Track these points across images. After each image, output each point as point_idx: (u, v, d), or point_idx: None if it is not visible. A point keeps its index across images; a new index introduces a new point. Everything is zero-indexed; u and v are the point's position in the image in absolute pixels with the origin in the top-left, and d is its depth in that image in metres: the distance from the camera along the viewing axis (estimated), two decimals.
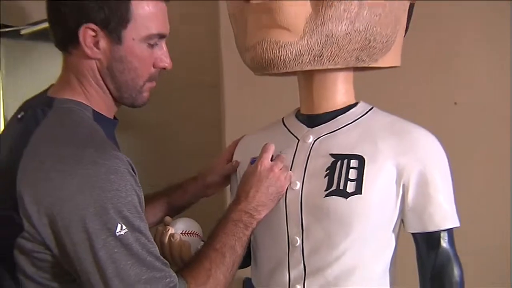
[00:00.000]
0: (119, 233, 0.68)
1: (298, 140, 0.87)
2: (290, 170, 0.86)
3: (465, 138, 1.41)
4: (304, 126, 0.88)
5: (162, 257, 0.75)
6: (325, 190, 0.79)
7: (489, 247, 1.42)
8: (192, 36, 2.32)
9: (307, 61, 0.77)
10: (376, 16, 0.77)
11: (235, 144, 1.04)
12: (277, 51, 0.76)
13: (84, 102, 0.81)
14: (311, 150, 0.84)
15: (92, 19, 0.76)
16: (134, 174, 0.75)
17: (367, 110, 0.87)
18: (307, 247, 0.81)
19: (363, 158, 0.80)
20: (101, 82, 0.82)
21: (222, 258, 0.80)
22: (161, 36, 0.83)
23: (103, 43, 0.78)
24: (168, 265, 0.75)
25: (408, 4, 0.86)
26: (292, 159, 0.86)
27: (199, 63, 2.28)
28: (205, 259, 0.79)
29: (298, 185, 0.82)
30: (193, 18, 2.31)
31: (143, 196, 0.76)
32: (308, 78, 0.86)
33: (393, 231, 0.83)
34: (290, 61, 0.76)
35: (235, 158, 1.00)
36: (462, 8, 1.43)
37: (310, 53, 0.76)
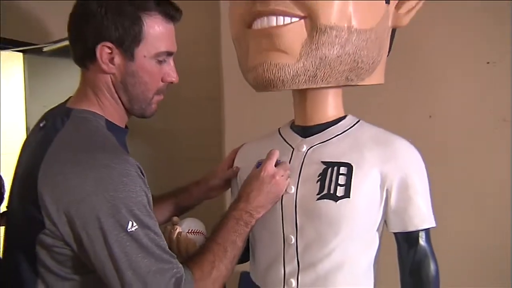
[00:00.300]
0: (130, 230, 0.69)
1: (293, 148, 0.87)
2: None
3: (439, 148, 1.41)
4: (298, 136, 0.88)
5: (170, 251, 0.75)
6: (317, 194, 0.79)
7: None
8: (196, 55, 2.32)
9: (303, 80, 0.77)
10: (364, 41, 0.78)
11: (235, 152, 1.04)
12: (277, 72, 0.76)
13: (98, 112, 0.82)
14: (305, 158, 0.84)
15: (108, 38, 0.77)
16: (143, 177, 0.76)
17: (355, 122, 0.87)
18: (300, 245, 0.81)
19: (351, 166, 0.80)
20: (115, 94, 0.83)
21: (224, 252, 0.80)
22: (169, 54, 0.84)
23: (117, 59, 0.79)
24: (175, 257, 0.75)
25: (391, 30, 0.87)
26: None
27: (202, 79, 2.28)
28: (209, 252, 0.79)
29: (293, 189, 0.82)
30: (198, 39, 2.31)
31: (151, 196, 0.77)
32: (302, 94, 0.86)
33: (377, 230, 0.83)
34: (288, 80, 0.76)
35: (236, 164, 1.00)
36: (437, 30, 1.44)
37: (306, 73, 0.76)
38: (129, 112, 0.87)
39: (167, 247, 0.75)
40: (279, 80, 0.76)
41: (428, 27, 1.41)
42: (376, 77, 0.87)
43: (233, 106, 1.94)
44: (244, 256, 0.95)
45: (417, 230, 0.80)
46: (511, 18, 1.44)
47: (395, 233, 0.83)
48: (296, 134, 0.89)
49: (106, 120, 0.82)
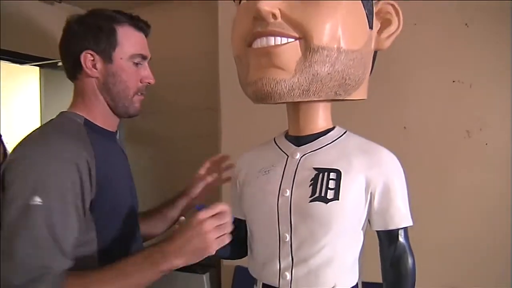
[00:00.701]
0: (33, 203, 0.68)
1: (288, 156, 0.85)
2: (281, 180, 0.82)
3: (413, 155, 1.42)
4: (292, 145, 0.86)
5: (66, 248, 0.71)
6: (310, 197, 0.78)
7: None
8: (196, 69, 2.34)
9: (298, 94, 0.76)
10: (351, 60, 0.77)
11: (210, 161, 1.01)
12: (274, 86, 0.74)
13: (81, 114, 0.86)
14: (298, 165, 0.83)
15: (89, 47, 0.83)
16: (87, 172, 0.75)
17: (342, 133, 0.86)
18: (294, 242, 0.80)
19: (340, 172, 0.79)
20: (100, 96, 0.86)
21: (109, 279, 0.72)
22: (143, 57, 0.89)
23: (99, 64, 0.84)
24: (67, 256, 0.71)
25: (374, 51, 0.87)
26: (282, 171, 0.83)
27: (201, 90, 2.29)
28: (95, 272, 0.73)
29: (288, 192, 0.81)
30: (197, 55, 2.33)
31: (88, 190, 0.75)
32: (296, 107, 0.85)
33: (362, 229, 0.82)
34: (284, 94, 0.75)
35: (237, 171, 0.97)
36: (410, 53, 1.46)
37: (300, 88, 0.75)
38: (115, 112, 0.89)
39: (69, 243, 0.71)
40: (276, 94, 0.75)
41: (403, 49, 1.42)
42: (361, 93, 0.86)
43: (229, 115, 1.93)
44: (241, 253, 0.95)
45: (397, 229, 0.80)
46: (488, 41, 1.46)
47: (377, 231, 0.82)
48: (290, 143, 0.87)
49: (86, 119, 0.85)
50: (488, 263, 1.45)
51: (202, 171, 1.08)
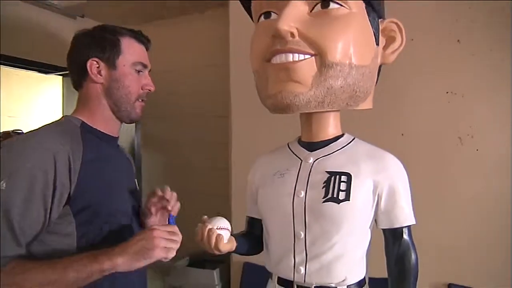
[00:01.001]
0: None
1: (301, 160, 0.86)
2: (296, 183, 0.82)
3: (411, 160, 1.41)
4: (305, 150, 0.87)
5: (22, 235, 0.69)
6: (323, 198, 0.79)
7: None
8: (208, 79, 2.33)
9: (314, 106, 0.77)
10: (361, 75, 0.78)
11: (149, 196, 0.92)
12: (293, 99, 0.75)
13: (79, 117, 0.85)
14: (312, 168, 0.84)
15: (95, 55, 0.84)
16: (62, 161, 0.72)
17: (351, 140, 0.87)
18: (308, 239, 0.81)
19: (350, 175, 0.80)
20: (103, 101, 0.86)
21: (42, 274, 0.68)
22: (144, 66, 0.89)
23: (104, 71, 0.85)
24: (21, 244, 0.69)
25: (379, 66, 0.88)
26: (297, 174, 0.84)
27: (212, 99, 2.29)
28: (40, 260, 0.70)
29: (302, 194, 0.81)
30: (210, 66, 2.33)
31: (63, 181, 0.72)
32: (309, 116, 0.86)
33: (369, 227, 0.83)
34: (301, 105, 0.76)
35: (252, 174, 0.96)
36: (408, 65, 1.47)
37: (316, 100, 0.76)
38: (117, 116, 0.88)
39: (25, 232, 0.69)
40: (295, 106, 0.76)
41: (401, 63, 1.43)
42: (367, 103, 0.88)
43: (239, 123, 1.93)
44: (257, 249, 0.95)
45: (401, 227, 0.81)
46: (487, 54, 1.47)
47: (383, 229, 0.83)
48: (303, 148, 0.88)
49: (83, 122, 0.84)
50: (479, 261, 1.46)
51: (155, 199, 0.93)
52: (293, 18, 0.75)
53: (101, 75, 0.84)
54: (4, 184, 0.67)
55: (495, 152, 1.47)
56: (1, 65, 1.95)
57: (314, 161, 0.85)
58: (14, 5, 1.98)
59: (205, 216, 0.84)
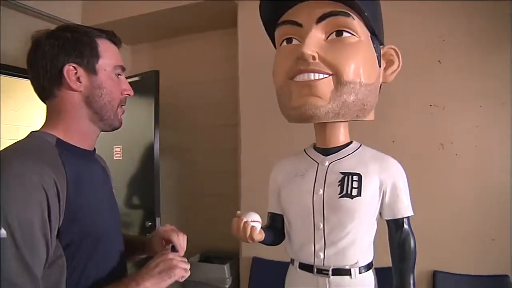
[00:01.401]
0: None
1: (318, 163, 0.91)
2: (315, 182, 0.87)
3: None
4: (321, 155, 0.92)
5: (38, 271, 0.58)
6: (339, 194, 0.85)
7: None
8: (219, 92, 2.31)
9: (331, 116, 0.83)
10: (368, 91, 0.85)
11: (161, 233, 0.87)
12: (315, 110, 0.82)
13: (52, 133, 0.70)
14: (328, 170, 0.89)
15: (71, 60, 0.70)
16: (54, 191, 0.61)
17: (358, 146, 0.93)
18: (327, 229, 0.86)
19: (361, 175, 0.86)
20: (81, 111, 0.72)
21: None
22: (123, 69, 0.77)
23: (83, 78, 0.71)
24: (37, 280, 0.58)
25: (381, 83, 0.95)
26: (315, 175, 0.89)
27: (223, 110, 2.29)
28: None
29: (321, 191, 0.87)
30: (219, 78, 2.30)
31: (55, 215, 0.61)
32: (323, 126, 0.91)
33: (376, 219, 0.89)
34: (321, 116, 0.82)
35: (275, 174, 0.99)
36: (397, 78, 1.54)
37: (333, 112, 0.83)
38: (98, 126, 0.75)
39: (39, 268, 0.59)
40: (316, 116, 0.82)
41: (393, 80, 1.52)
42: (371, 115, 0.94)
43: (247, 131, 1.94)
44: (278, 241, 0.98)
45: (402, 217, 0.88)
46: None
47: (387, 220, 0.89)
48: (318, 153, 0.93)
49: (58, 139, 0.70)
50: (460, 248, 1.53)
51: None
52: (313, 44, 0.82)
53: (80, 82, 0.70)
54: (3, 232, 0.56)
55: (471, 155, 1.55)
56: (2, 74, 1.86)
57: (330, 164, 0.90)
58: (16, 16, 1.88)
59: (239, 212, 0.88)
